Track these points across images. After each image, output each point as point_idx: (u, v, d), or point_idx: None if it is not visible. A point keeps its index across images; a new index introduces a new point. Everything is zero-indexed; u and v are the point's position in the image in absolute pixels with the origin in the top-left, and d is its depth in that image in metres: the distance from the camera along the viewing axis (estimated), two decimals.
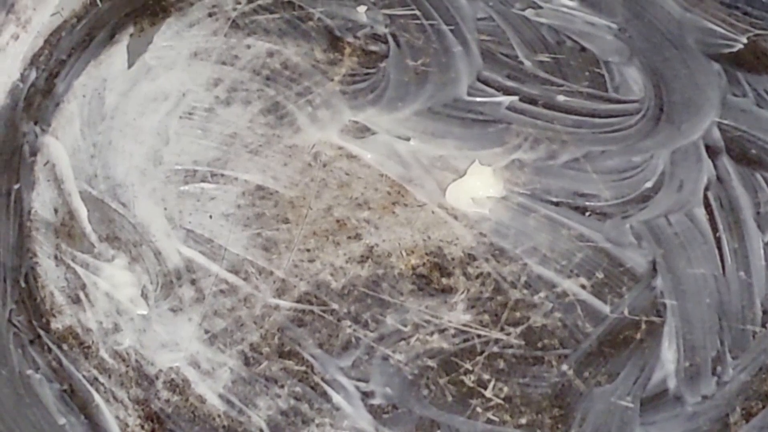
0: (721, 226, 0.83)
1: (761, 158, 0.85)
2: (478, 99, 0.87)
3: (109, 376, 0.83)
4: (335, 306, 0.82)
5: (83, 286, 0.85)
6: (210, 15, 0.93)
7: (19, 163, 0.90)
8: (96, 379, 0.83)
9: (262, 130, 0.88)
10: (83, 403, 0.83)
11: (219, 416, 0.81)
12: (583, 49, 0.89)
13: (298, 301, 0.83)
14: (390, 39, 0.90)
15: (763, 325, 0.80)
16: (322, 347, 0.81)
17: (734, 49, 0.89)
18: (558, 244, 0.83)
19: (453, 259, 0.83)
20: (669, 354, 0.79)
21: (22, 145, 0.90)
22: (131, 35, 0.93)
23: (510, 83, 0.88)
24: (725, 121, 0.86)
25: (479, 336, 0.81)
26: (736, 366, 0.79)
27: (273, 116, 0.88)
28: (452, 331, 0.81)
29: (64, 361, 0.84)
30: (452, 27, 0.90)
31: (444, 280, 0.82)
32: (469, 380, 0.80)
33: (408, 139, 0.86)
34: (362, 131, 0.87)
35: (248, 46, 0.91)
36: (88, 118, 0.90)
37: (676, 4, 0.91)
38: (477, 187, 0.84)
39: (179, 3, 0.94)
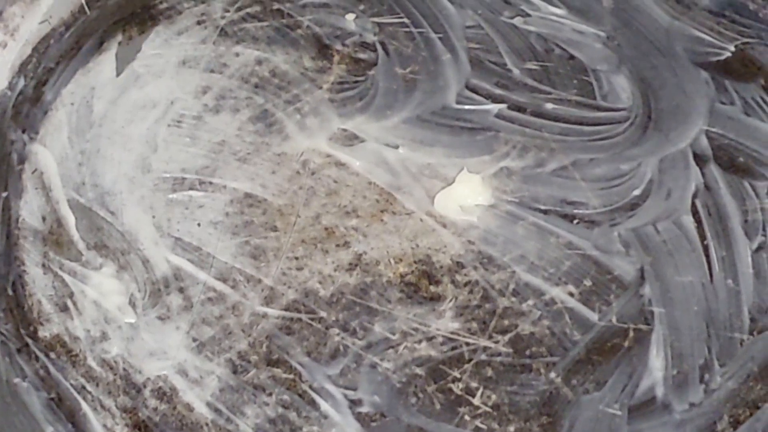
0: (708, 234, 0.83)
1: (749, 166, 0.85)
2: (467, 107, 0.88)
3: (97, 385, 0.83)
4: (323, 314, 0.82)
5: (71, 295, 0.85)
6: (198, 23, 0.93)
7: (7, 172, 0.90)
8: (83, 387, 0.83)
9: (251, 138, 0.88)
10: (71, 411, 0.83)
11: (207, 424, 0.80)
12: (572, 57, 0.90)
13: (286, 309, 0.83)
14: (379, 47, 0.90)
15: (751, 333, 0.80)
16: (310, 355, 0.81)
17: (722, 58, 0.89)
18: (546, 252, 0.83)
19: (441, 267, 0.83)
20: (657, 362, 0.79)
21: (10, 153, 0.90)
22: (120, 43, 0.93)
23: (498, 91, 0.88)
24: (713, 129, 0.86)
25: (467, 344, 0.80)
26: (723, 373, 0.79)
27: (261, 124, 0.88)
28: (440, 339, 0.81)
29: (52, 370, 0.83)
30: (441, 35, 0.91)
31: (432, 288, 0.82)
32: (457, 388, 0.80)
33: (396, 147, 0.86)
34: (351, 139, 0.87)
35: (237, 54, 0.91)
36: (77, 126, 0.90)
37: (664, 13, 0.91)
38: (465, 195, 0.84)
39: (168, 11, 0.94)
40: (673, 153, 0.85)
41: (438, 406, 0.79)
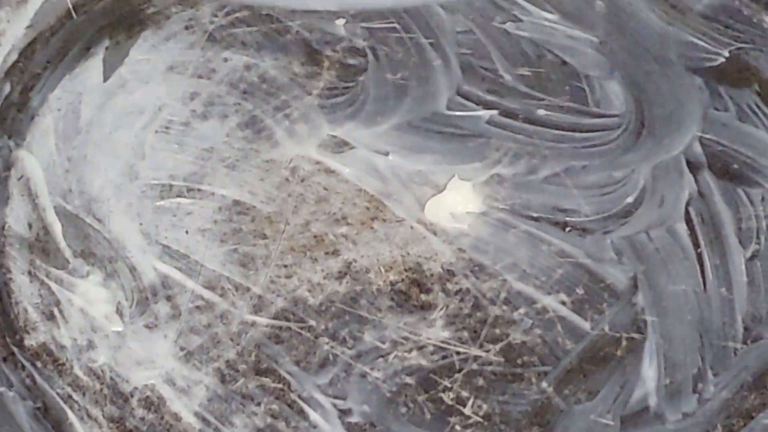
0: (702, 242, 0.82)
1: (743, 173, 0.85)
2: (458, 113, 0.87)
3: (84, 394, 0.82)
4: (312, 323, 0.82)
5: (57, 303, 0.84)
6: (186, 28, 0.92)
7: None
8: (70, 396, 0.82)
9: (239, 145, 0.87)
10: (57, 421, 0.82)
11: None
12: (564, 62, 0.89)
13: (275, 318, 0.82)
14: (369, 52, 0.90)
15: (745, 342, 0.80)
16: (299, 364, 0.81)
17: (716, 63, 0.88)
18: (538, 260, 0.82)
19: (432, 275, 0.82)
20: (650, 371, 0.79)
21: None
22: (107, 48, 0.92)
23: (490, 97, 0.87)
24: (707, 136, 0.86)
25: (458, 353, 0.80)
26: (717, 383, 0.79)
27: (250, 130, 0.88)
28: (431, 348, 0.80)
29: (38, 379, 0.83)
30: (432, 40, 0.90)
31: (423, 297, 0.82)
32: (447, 398, 0.79)
33: (386, 154, 0.86)
34: (340, 146, 0.86)
35: (225, 60, 0.90)
36: (63, 132, 0.89)
37: (657, 18, 0.90)
38: (456, 203, 0.84)
39: (155, 16, 0.93)
40: (667, 160, 0.85)
41: (428, 416, 0.79)
